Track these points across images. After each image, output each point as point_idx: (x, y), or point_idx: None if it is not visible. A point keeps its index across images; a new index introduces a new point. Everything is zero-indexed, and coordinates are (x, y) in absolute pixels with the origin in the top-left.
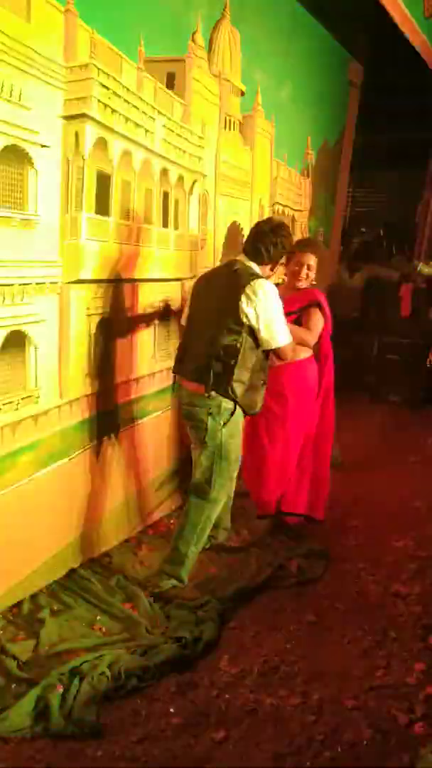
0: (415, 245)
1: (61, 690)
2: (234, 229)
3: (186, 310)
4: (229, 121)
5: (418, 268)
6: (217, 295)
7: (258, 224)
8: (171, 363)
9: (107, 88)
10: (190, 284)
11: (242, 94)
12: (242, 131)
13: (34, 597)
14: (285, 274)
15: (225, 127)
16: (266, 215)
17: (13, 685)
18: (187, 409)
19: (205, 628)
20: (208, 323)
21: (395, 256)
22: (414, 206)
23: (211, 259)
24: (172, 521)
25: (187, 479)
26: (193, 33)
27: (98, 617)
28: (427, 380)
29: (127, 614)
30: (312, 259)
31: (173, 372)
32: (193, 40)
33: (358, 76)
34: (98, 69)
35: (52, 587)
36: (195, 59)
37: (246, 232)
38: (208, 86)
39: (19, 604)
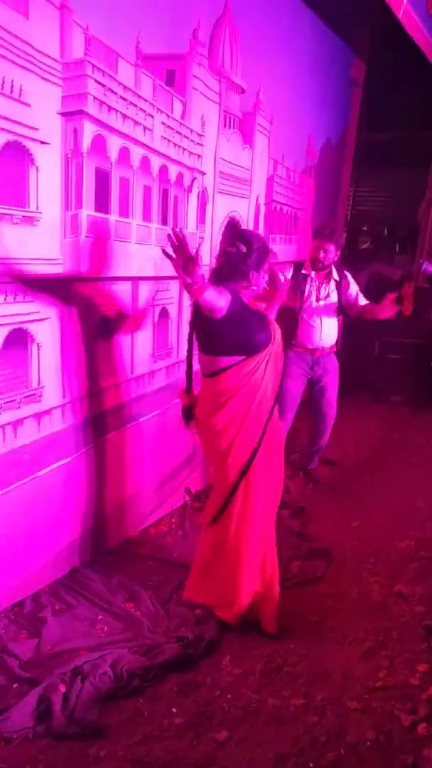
0: (417, 244)
1: (63, 690)
2: (231, 227)
3: None
4: (229, 118)
5: (422, 267)
6: None
7: None
8: (170, 361)
9: (103, 85)
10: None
11: (242, 91)
12: (241, 129)
13: (35, 596)
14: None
15: (225, 125)
16: (263, 213)
17: (15, 685)
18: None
19: (207, 627)
20: None
21: (398, 254)
22: (417, 205)
23: (208, 257)
24: (173, 519)
25: (189, 476)
26: (195, 29)
27: (100, 616)
28: (429, 380)
29: (129, 614)
30: None
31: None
32: (194, 37)
33: (361, 74)
34: (93, 65)
35: (54, 586)
36: (195, 56)
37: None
38: (208, 84)
39: (20, 603)
